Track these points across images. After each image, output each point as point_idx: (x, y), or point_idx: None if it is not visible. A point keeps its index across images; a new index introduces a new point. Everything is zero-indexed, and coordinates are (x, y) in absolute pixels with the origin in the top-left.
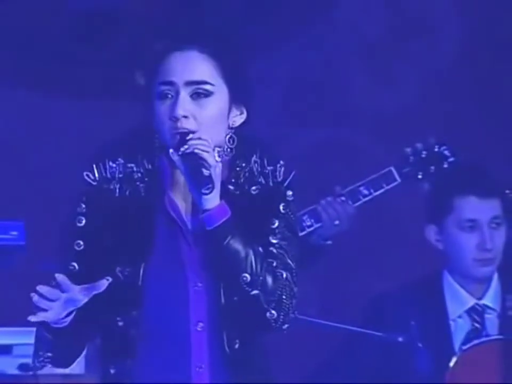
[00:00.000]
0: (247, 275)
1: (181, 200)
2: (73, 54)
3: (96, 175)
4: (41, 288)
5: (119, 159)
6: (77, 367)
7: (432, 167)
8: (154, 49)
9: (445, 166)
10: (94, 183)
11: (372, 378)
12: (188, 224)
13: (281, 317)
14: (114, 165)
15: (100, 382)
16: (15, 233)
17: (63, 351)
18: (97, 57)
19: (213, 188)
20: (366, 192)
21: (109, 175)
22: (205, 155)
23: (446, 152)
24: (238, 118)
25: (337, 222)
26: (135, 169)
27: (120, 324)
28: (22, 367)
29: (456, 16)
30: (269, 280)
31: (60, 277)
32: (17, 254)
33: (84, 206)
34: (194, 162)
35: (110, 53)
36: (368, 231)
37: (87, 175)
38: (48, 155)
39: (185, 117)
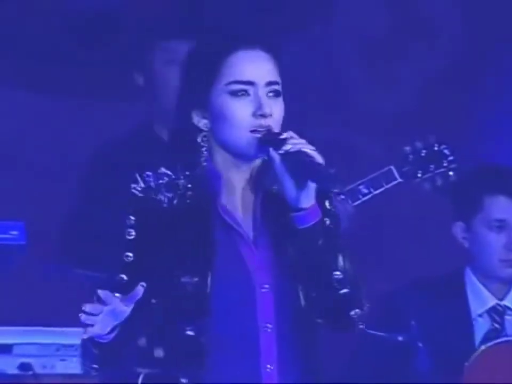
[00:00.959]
0: (339, 273)
1: (234, 202)
2: (73, 54)
3: (142, 185)
4: (86, 307)
5: (162, 168)
6: (77, 367)
7: (432, 166)
8: (211, 47)
9: (445, 164)
10: (141, 195)
11: (372, 378)
12: (246, 226)
13: (361, 314)
14: (157, 175)
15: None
16: (15, 233)
17: (109, 362)
18: (97, 57)
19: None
20: (365, 191)
21: (153, 185)
22: (314, 154)
23: (446, 151)
24: None
25: None
26: (174, 176)
27: (190, 333)
28: (22, 366)
29: (456, 16)
30: (354, 278)
31: (102, 293)
32: (17, 254)
33: (132, 218)
34: (310, 162)
35: (110, 53)
36: (369, 230)
37: (134, 187)
38: (48, 155)
39: (270, 115)
